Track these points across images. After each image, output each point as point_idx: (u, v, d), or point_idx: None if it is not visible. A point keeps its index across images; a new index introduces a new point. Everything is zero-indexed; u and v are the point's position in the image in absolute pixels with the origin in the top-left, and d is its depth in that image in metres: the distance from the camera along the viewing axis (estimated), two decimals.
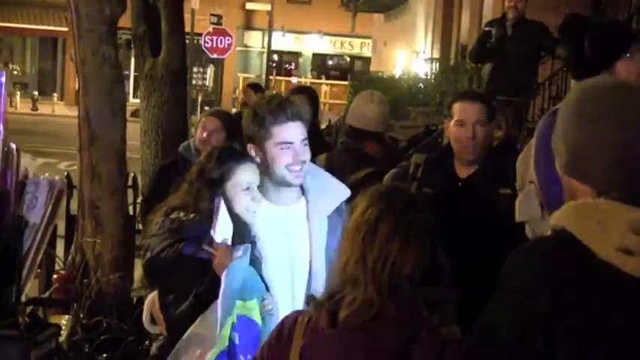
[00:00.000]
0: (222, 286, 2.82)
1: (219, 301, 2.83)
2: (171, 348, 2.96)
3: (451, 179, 3.73)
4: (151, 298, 3.23)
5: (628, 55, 2.97)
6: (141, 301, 4.43)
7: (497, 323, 1.83)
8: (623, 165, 1.81)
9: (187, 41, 12.61)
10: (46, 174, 3.39)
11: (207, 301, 2.90)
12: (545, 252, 1.85)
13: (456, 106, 3.72)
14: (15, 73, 33.51)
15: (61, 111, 29.98)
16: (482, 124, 3.65)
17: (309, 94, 6.32)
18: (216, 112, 5.45)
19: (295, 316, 2.23)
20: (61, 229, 6.15)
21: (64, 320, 4.70)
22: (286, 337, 2.19)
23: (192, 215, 3.03)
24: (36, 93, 32.03)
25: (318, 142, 5.39)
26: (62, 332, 4.44)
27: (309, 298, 2.24)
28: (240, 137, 3.26)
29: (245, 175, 3.06)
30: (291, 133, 3.11)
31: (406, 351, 2.07)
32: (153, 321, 3.23)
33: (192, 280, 2.98)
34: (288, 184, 3.15)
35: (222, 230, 2.90)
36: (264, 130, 3.11)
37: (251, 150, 3.15)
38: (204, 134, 4.66)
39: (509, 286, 1.83)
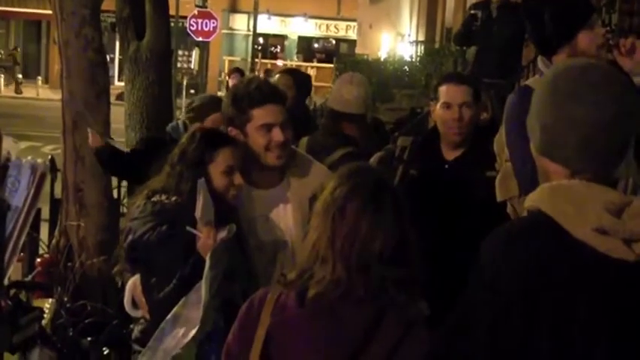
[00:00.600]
0: (207, 267, 2.82)
1: (204, 282, 2.83)
2: (153, 331, 2.95)
3: (438, 162, 3.73)
4: (133, 281, 3.21)
5: (589, 27, 2.97)
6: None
7: (473, 311, 1.84)
8: (592, 144, 1.82)
9: (172, 24, 12.53)
10: (29, 157, 3.36)
11: (191, 283, 2.89)
12: (521, 233, 1.85)
13: (442, 89, 3.73)
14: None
15: (45, 94, 29.78)
16: (468, 106, 3.67)
17: (296, 75, 6.27)
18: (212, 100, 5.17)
19: (265, 293, 2.23)
20: (45, 213, 6.12)
21: (48, 304, 4.68)
22: (255, 315, 2.19)
23: (174, 198, 3.02)
24: (20, 76, 31.82)
25: (309, 125, 5.37)
26: (45, 316, 4.42)
27: (280, 276, 2.23)
28: None
29: (226, 158, 3.05)
30: (271, 114, 3.10)
31: (372, 330, 2.07)
32: (134, 304, 3.22)
33: (175, 263, 2.97)
34: (270, 167, 3.14)
35: (205, 212, 2.89)
36: (243, 113, 3.10)
37: (232, 132, 3.15)
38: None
39: (486, 268, 1.84)
